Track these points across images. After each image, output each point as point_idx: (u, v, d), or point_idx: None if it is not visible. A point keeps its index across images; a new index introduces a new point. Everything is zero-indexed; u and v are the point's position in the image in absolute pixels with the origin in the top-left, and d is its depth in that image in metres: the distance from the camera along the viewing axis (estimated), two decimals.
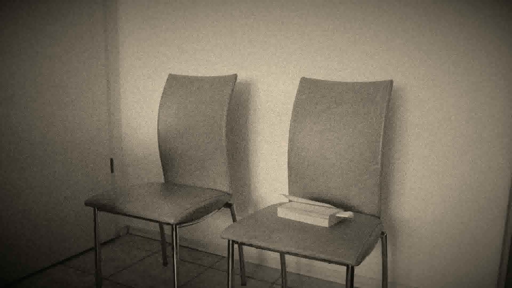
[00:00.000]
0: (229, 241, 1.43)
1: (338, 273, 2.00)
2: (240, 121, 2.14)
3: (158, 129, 2.01)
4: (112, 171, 2.44)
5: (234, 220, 1.90)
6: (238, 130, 2.15)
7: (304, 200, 1.56)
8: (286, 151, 2.04)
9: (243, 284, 1.98)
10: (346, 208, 1.64)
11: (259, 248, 1.36)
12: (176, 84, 2.02)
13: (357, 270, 1.97)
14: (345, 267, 1.77)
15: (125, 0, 2.36)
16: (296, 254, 1.30)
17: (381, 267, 1.92)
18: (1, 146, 1.86)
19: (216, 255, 2.30)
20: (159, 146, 2.01)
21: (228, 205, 1.88)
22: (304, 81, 1.75)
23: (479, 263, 1.72)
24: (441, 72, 1.69)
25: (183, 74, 2.24)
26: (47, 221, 2.08)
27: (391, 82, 1.58)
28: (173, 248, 1.59)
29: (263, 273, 2.09)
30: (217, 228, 2.30)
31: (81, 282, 1.98)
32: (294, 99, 1.95)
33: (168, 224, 1.56)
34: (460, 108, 1.67)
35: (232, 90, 1.87)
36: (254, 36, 2.03)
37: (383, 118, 1.55)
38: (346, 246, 1.27)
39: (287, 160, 1.85)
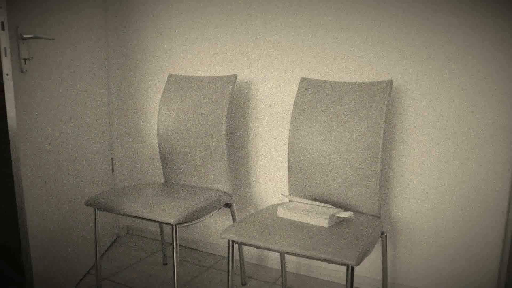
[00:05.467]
0: (229, 241, 1.43)
1: (338, 273, 2.00)
2: (240, 121, 2.14)
3: (158, 129, 2.01)
4: (112, 170, 2.44)
5: (234, 220, 1.90)
6: (238, 130, 2.15)
7: (304, 200, 1.56)
8: (286, 151, 2.04)
9: (243, 284, 1.98)
10: (346, 208, 1.64)
11: (259, 248, 1.36)
12: (176, 84, 2.02)
13: (357, 270, 1.97)
14: (345, 267, 1.77)
15: (125, 1, 2.36)
16: (296, 254, 1.30)
17: (381, 267, 1.92)
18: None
19: (216, 255, 2.30)
20: (159, 146, 2.01)
21: (228, 205, 1.88)
22: (304, 81, 1.75)
23: (479, 263, 1.72)
24: (441, 72, 1.69)
25: (183, 74, 2.24)
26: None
27: (391, 82, 1.58)
28: (173, 248, 1.59)
29: (263, 273, 2.09)
30: (217, 228, 2.30)
31: (81, 282, 1.98)
32: (294, 99, 1.95)
33: (168, 224, 1.56)
34: (460, 108, 1.67)
35: (232, 90, 1.87)
36: (254, 36, 2.03)
37: (383, 118, 1.55)
38: (346, 246, 1.27)
39: (287, 160, 1.85)
